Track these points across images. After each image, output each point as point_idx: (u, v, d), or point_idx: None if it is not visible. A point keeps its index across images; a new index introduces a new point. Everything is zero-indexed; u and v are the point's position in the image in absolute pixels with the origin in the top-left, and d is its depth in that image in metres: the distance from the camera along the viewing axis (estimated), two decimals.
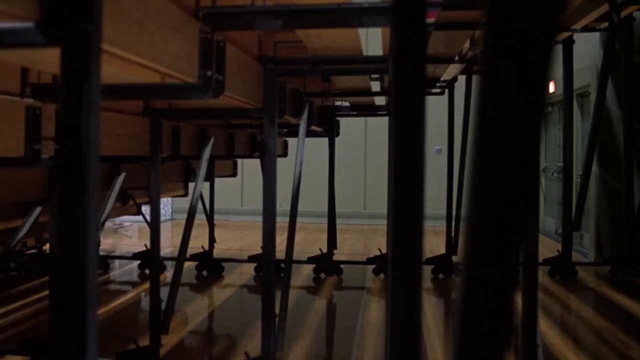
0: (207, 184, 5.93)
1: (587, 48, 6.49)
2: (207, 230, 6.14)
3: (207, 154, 3.94)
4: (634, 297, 4.98)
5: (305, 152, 4.98)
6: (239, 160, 6.74)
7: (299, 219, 3.82)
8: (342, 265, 5.84)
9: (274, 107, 2.92)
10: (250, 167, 8.91)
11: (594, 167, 6.29)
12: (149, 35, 1.53)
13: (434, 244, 6.89)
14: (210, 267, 5.96)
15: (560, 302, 5.00)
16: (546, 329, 4.04)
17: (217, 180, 6.19)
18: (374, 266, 5.82)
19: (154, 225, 3.30)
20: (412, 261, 0.97)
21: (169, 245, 7.70)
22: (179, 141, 3.86)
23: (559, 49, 6.12)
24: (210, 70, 2.05)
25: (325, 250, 5.83)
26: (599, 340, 3.94)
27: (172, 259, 5.87)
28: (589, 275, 5.86)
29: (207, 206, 6.22)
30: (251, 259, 5.92)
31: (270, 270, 2.89)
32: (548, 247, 7.03)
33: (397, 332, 0.98)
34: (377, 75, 4.35)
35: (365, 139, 10.28)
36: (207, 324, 4.52)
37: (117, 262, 6.50)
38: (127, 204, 4.68)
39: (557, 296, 5.13)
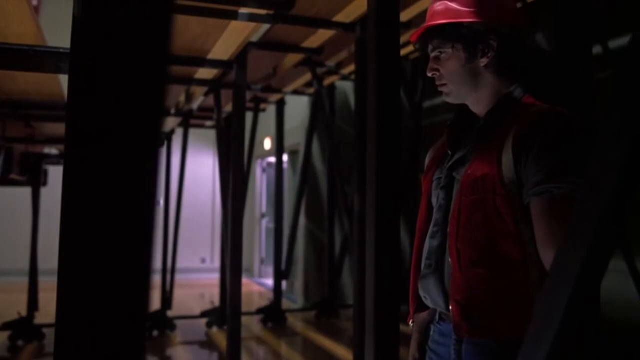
0: None
1: (300, 110, 7.09)
2: None
3: None
4: (335, 337, 5.44)
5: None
6: None
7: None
8: (44, 329, 5.27)
9: None
10: None
11: (302, 219, 6.80)
12: None
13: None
14: None
15: (271, 349, 5.21)
16: None
17: None
18: None
19: None
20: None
21: None
22: None
23: (273, 108, 6.61)
24: None
25: (25, 314, 5.22)
26: None
27: None
28: (298, 321, 6.23)
29: None
30: None
31: None
32: (265, 298, 7.35)
33: None
34: None
35: None
36: None
37: None
38: None
39: (268, 343, 5.34)
